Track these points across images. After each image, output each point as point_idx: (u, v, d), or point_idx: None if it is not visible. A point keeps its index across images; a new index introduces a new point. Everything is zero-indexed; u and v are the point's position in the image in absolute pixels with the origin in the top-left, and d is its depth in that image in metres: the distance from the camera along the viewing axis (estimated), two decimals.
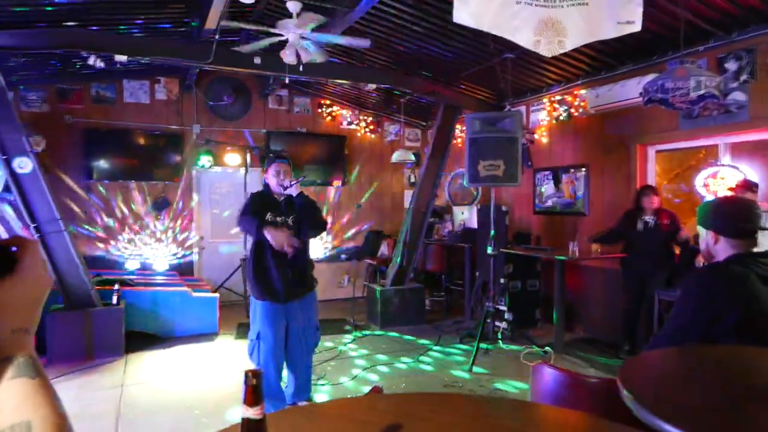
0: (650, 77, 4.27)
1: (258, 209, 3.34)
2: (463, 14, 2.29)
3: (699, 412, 1.21)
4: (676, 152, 5.37)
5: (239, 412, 0.77)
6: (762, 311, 1.72)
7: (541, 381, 1.68)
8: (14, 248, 0.61)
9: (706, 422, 1.16)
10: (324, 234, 7.63)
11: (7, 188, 4.82)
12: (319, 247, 8.04)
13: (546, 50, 2.34)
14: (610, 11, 2.32)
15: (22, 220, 5.15)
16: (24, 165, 4.62)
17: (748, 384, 1.36)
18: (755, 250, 1.90)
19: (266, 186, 3.49)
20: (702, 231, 2.00)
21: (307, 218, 3.41)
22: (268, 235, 3.17)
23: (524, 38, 2.34)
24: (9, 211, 5.44)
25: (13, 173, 4.59)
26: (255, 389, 0.75)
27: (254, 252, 3.39)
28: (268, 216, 3.33)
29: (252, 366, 3.44)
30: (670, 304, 4.35)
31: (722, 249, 1.93)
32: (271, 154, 3.62)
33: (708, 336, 1.77)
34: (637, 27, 2.38)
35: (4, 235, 5.00)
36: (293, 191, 3.38)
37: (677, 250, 4.79)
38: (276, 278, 3.35)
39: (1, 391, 0.55)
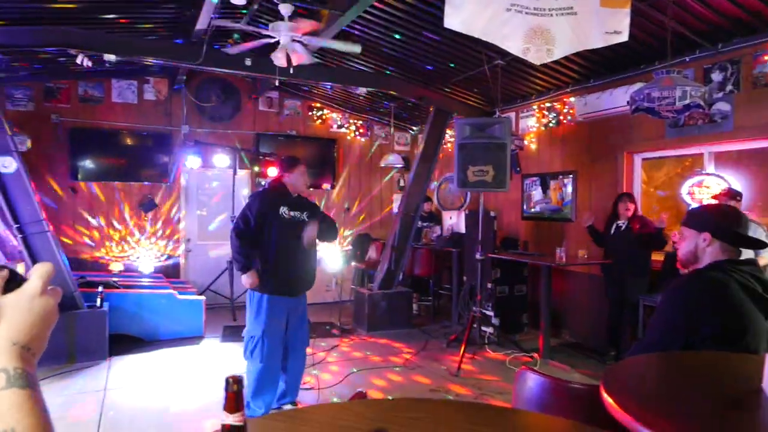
0: (638, 86, 4.32)
1: (264, 212, 3.43)
2: (454, 20, 2.30)
3: (681, 419, 1.22)
4: (664, 160, 5.43)
5: (221, 417, 0.76)
6: (741, 319, 1.74)
7: (525, 387, 1.68)
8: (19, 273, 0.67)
9: (688, 429, 1.17)
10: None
11: None
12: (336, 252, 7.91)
13: (535, 58, 2.35)
14: (598, 21, 2.34)
15: (4, 221, 5.07)
16: (8, 164, 4.56)
17: (731, 390, 1.38)
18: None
19: (282, 185, 3.57)
20: (691, 232, 1.99)
21: (328, 226, 3.67)
22: (245, 280, 3.41)
23: (514, 46, 2.36)
24: None
25: None
26: (236, 396, 0.75)
27: (268, 247, 3.44)
28: (283, 210, 3.46)
29: (250, 365, 3.45)
30: (653, 309, 4.39)
31: (711, 253, 1.93)
32: (279, 156, 3.92)
33: (690, 343, 1.78)
34: (624, 37, 2.41)
35: None
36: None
37: (660, 257, 4.84)
38: (292, 274, 3.48)
39: None
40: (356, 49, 4.22)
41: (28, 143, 6.14)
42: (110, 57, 4.76)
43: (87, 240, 6.84)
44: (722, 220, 1.96)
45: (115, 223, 6.99)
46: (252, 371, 3.44)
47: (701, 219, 1.99)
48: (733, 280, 1.82)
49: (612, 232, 4.91)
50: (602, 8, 2.34)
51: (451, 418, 1.24)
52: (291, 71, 4.82)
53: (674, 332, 1.83)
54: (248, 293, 3.52)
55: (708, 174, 4.68)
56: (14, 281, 0.65)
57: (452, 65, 5.74)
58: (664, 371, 1.54)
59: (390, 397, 4.12)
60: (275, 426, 1.10)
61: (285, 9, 4.17)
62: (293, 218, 3.48)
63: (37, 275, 0.66)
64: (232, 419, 0.74)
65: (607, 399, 1.27)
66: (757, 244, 2.05)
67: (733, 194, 4.08)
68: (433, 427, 1.17)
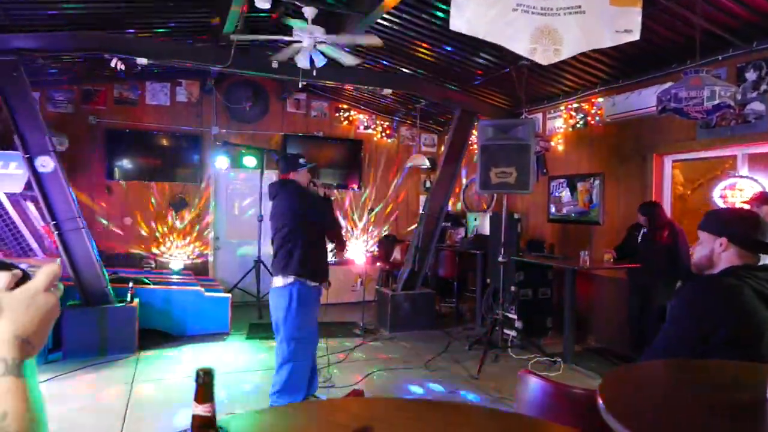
0: (668, 86, 4.20)
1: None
2: (459, 21, 2.30)
3: (673, 428, 1.20)
4: (701, 162, 5.22)
5: (192, 407, 0.80)
6: (755, 326, 1.69)
7: (527, 390, 1.67)
8: (31, 274, 0.72)
9: None
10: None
11: (29, 186, 4.98)
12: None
13: (542, 58, 2.33)
14: (608, 20, 2.29)
15: (43, 218, 5.30)
16: (46, 164, 4.76)
17: (733, 400, 1.34)
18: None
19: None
20: (707, 236, 1.94)
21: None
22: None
23: (520, 46, 2.33)
24: (32, 209, 5.61)
25: (35, 172, 4.73)
26: (206, 388, 0.78)
27: (312, 234, 3.55)
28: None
29: (295, 364, 3.43)
30: None
31: (728, 258, 1.88)
32: (300, 158, 3.79)
33: (702, 350, 1.73)
34: (635, 36, 2.35)
35: (26, 233, 5.16)
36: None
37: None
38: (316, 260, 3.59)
39: None
40: (377, 41, 4.23)
41: (67, 144, 6.40)
42: (142, 61, 4.93)
43: (120, 237, 7.08)
44: (740, 224, 1.90)
45: (148, 222, 7.22)
46: (297, 370, 3.44)
47: (718, 223, 1.94)
48: (748, 286, 1.76)
49: (639, 239, 4.80)
50: (612, 6, 2.29)
51: (441, 419, 1.24)
52: (314, 73, 4.88)
53: (685, 338, 1.78)
54: (288, 292, 3.39)
55: (741, 176, 4.52)
56: (25, 281, 0.70)
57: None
58: (666, 378, 1.51)
59: (405, 397, 4.12)
60: (264, 419, 1.13)
61: (309, 12, 4.25)
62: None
63: (42, 273, 0.71)
64: (201, 410, 0.77)
65: (600, 404, 1.26)
66: None
67: (766, 198, 3.93)
68: (422, 426, 1.18)
